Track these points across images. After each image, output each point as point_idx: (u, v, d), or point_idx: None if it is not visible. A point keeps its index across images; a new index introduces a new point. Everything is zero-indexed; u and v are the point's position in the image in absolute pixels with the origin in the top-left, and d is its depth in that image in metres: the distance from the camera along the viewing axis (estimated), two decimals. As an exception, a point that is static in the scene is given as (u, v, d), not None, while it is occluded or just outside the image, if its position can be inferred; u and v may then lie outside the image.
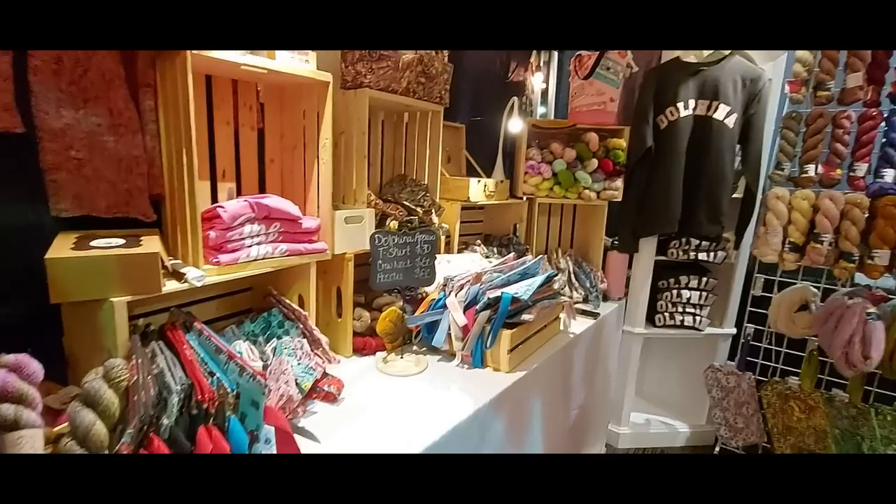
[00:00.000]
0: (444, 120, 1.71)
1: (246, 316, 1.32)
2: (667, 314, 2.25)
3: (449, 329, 1.42)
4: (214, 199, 1.26)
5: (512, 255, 1.67)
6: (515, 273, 1.53)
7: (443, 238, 1.70)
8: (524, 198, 2.12)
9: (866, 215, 1.73)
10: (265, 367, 1.11)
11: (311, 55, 1.19)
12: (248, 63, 1.06)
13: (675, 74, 1.96)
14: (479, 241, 1.97)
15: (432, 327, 1.46)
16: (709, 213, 2.01)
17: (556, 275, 1.58)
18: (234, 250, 1.08)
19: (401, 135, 1.76)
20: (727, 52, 1.90)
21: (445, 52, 1.57)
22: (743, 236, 2.07)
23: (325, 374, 1.17)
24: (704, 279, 2.20)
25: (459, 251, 1.87)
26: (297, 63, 1.16)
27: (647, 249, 2.15)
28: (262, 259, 1.14)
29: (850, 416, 1.93)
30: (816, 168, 1.85)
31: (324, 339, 1.22)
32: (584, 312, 1.95)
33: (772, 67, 2.00)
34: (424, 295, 1.57)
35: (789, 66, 1.94)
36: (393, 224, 1.49)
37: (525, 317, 1.40)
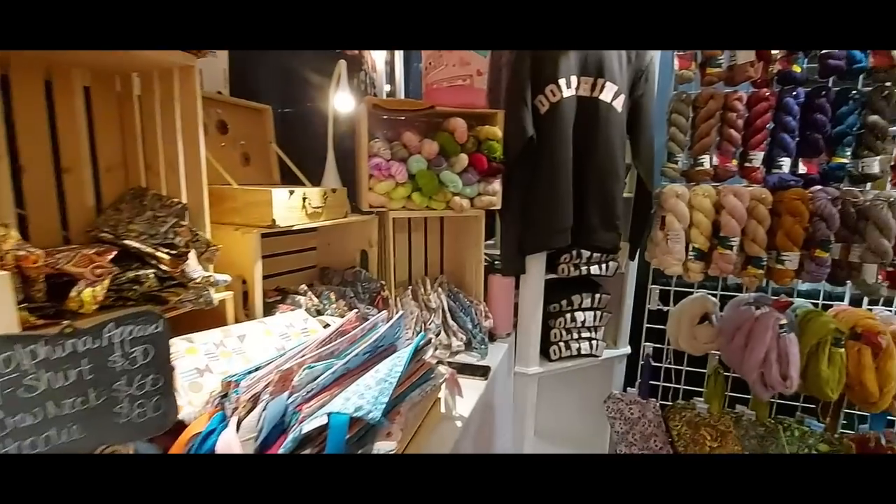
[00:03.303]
0: (239, 98, 0.98)
1: None
2: (562, 344, 1.83)
3: (229, 500, 0.70)
4: None
5: (353, 315, 1.00)
6: (359, 354, 0.87)
7: (216, 297, 0.96)
8: (374, 212, 1.48)
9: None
10: None
11: None
12: None
13: (551, 43, 1.51)
14: (304, 288, 1.26)
15: (197, 495, 0.72)
16: (603, 218, 1.61)
17: (429, 340, 0.97)
18: None
19: (131, 117, 0.96)
20: (608, 17, 1.52)
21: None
22: (640, 243, 1.73)
23: None
24: (598, 296, 1.83)
25: (270, 308, 1.14)
26: None
27: (536, 268, 1.69)
28: None
29: (757, 436, 1.72)
30: (711, 159, 1.57)
31: None
32: (467, 370, 1.39)
33: (650, 42, 1.68)
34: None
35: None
36: (88, 294, 0.71)
37: (380, 446, 0.75)
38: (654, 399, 1.86)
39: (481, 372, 1.37)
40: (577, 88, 1.55)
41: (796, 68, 1.46)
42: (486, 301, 1.69)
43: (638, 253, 1.80)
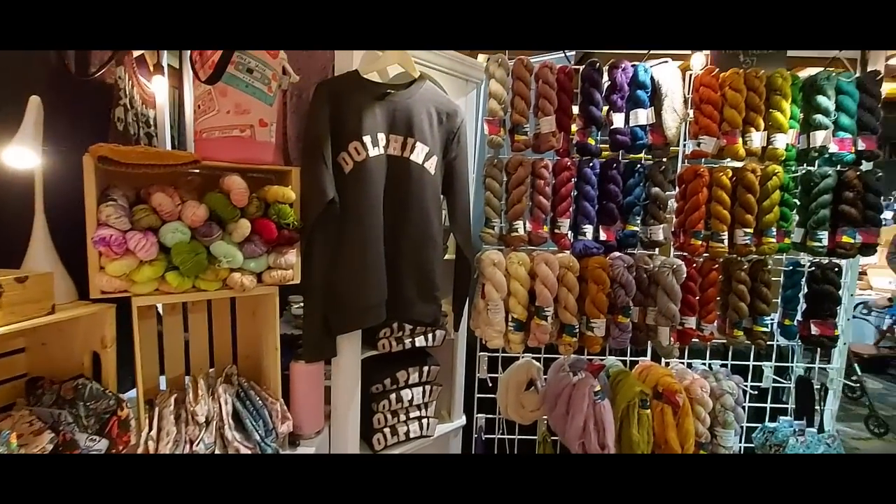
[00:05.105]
0: None
1: None
2: (387, 430, 1.60)
3: None
4: None
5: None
6: None
7: None
8: (110, 299, 1.08)
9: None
10: None
11: None
12: None
13: (356, 96, 1.34)
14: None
15: None
16: (421, 289, 1.46)
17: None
18: None
19: None
20: (417, 74, 1.42)
21: None
22: (462, 313, 1.62)
23: None
24: (426, 368, 1.66)
25: None
26: None
27: (350, 348, 1.44)
28: None
29: (586, 502, 1.69)
30: (525, 225, 1.54)
31: None
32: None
33: (464, 103, 1.64)
34: None
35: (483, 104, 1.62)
36: None
37: None
38: (488, 476, 1.73)
39: (262, 507, 1.05)
40: (387, 147, 1.39)
41: (591, 140, 1.53)
42: (289, 394, 1.38)
43: (464, 320, 1.69)
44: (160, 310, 1.36)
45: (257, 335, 1.41)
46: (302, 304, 1.72)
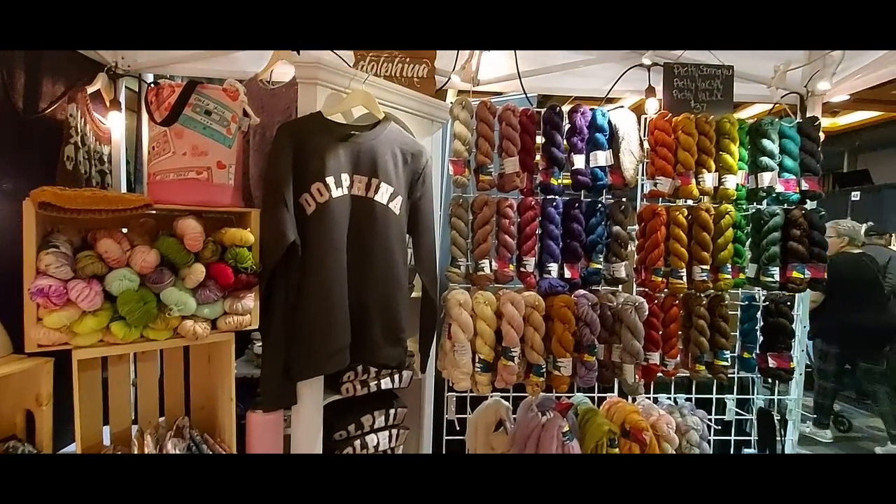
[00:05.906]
0: None
1: None
2: (351, 478, 1.53)
3: None
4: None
5: None
6: None
7: None
8: (47, 353, 1.01)
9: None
10: None
11: None
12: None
13: (319, 137, 1.33)
14: None
15: None
16: (386, 331, 1.42)
17: None
18: None
19: None
20: (381, 116, 1.43)
21: None
22: (429, 353, 1.59)
23: None
24: (392, 411, 1.61)
25: None
26: None
27: (311, 395, 1.39)
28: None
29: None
30: (490, 263, 1.55)
31: None
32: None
33: (430, 143, 1.66)
34: None
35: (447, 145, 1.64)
36: None
37: None
38: (458, 523, 1.67)
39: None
40: (351, 187, 1.38)
41: (554, 181, 1.56)
42: (247, 447, 1.30)
43: (431, 360, 1.66)
44: (106, 358, 1.28)
45: (212, 384, 1.34)
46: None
